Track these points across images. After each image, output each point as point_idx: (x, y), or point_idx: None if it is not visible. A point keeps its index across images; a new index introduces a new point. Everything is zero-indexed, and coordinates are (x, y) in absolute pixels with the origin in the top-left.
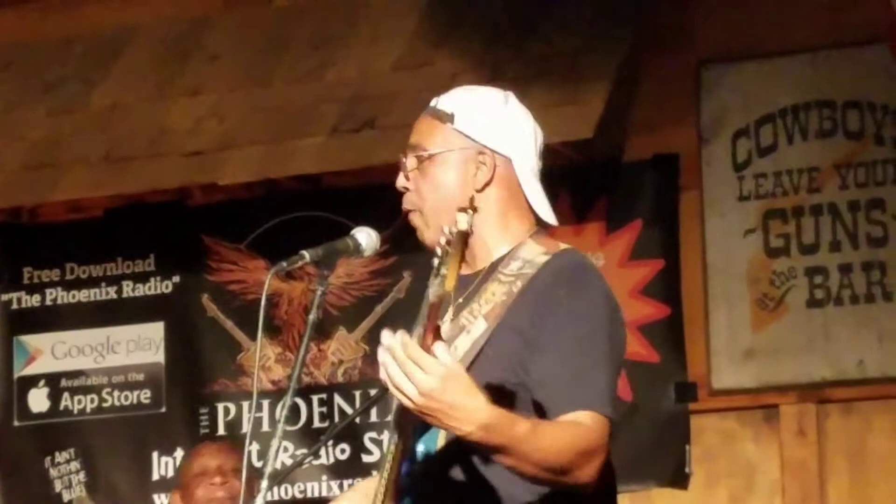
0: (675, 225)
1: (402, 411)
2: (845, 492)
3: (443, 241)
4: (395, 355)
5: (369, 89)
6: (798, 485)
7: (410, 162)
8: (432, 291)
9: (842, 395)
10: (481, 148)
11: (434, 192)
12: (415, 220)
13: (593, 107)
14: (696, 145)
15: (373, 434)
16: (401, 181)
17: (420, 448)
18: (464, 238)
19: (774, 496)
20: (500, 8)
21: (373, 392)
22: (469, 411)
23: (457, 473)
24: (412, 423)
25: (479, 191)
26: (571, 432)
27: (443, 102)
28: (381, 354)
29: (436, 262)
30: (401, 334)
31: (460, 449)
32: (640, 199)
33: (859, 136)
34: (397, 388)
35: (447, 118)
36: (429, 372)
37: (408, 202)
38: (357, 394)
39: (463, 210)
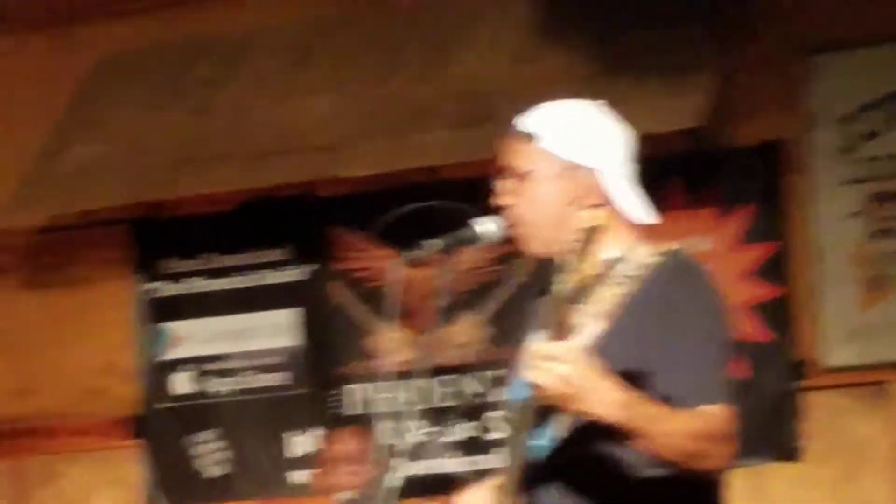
0: (783, 208)
1: (522, 409)
2: None
3: (573, 237)
4: (530, 357)
5: (488, 84)
6: None
7: (506, 183)
8: (558, 288)
9: None
10: (568, 164)
11: (531, 208)
12: (517, 233)
13: (702, 95)
14: (803, 131)
15: (497, 413)
16: (500, 201)
17: (539, 442)
18: (590, 235)
19: (886, 471)
20: (609, 2)
21: (497, 372)
22: (604, 392)
23: (572, 464)
24: (531, 421)
25: (571, 204)
26: (703, 418)
27: (528, 123)
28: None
29: (560, 261)
30: (541, 348)
31: (574, 441)
32: (749, 184)
33: None
34: (539, 384)
35: (533, 138)
36: (561, 361)
37: (509, 217)
38: (482, 374)
39: (589, 208)
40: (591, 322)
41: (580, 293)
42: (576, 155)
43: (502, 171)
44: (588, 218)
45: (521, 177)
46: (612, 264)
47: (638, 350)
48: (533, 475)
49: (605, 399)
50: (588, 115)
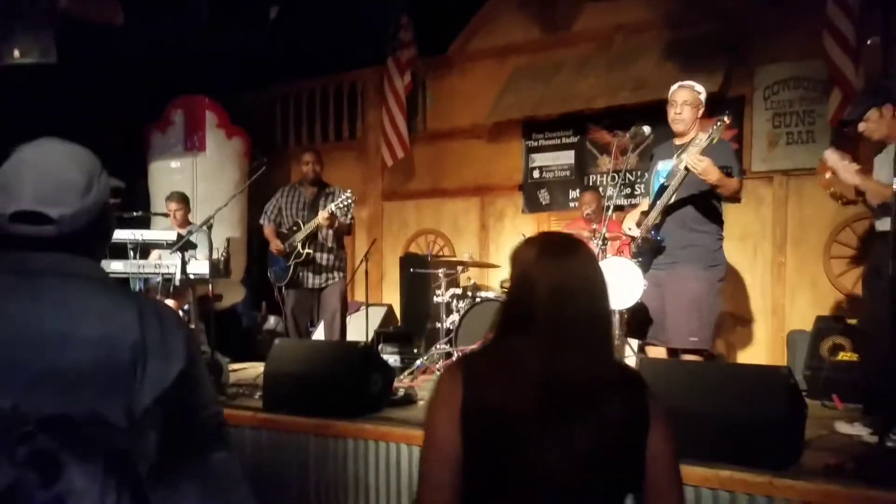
0: (741, 119)
1: (674, 177)
2: None
3: (711, 130)
4: (693, 157)
5: (642, 76)
6: None
7: (679, 104)
8: (699, 140)
9: None
10: (700, 100)
11: (688, 114)
12: (680, 126)
13: (718, 80)
14: (753, 90)
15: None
16: (677, 109)
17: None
18: (724, 126)
19: (771, 203)
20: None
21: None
22: (715, 172)
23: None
24: (678, 182)
25: (700, 117)
26: (737, 181)
27: (688, 83)
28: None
29: (704, 137)
30: (695, 156)
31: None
32: (733, 109)
33: None
34: (697, 167)
35: (693, 88)
36: (706, 161)
37: (681, 118)
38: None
39: (721, 119)
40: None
41: (697, 140)
42: (700, 96)
43: (674, 103)
44: (725, 119)
45: (686, 102)
46: (696, 137)
47: (717, 160)
48: (668, 208)
49: (715, 173)
50: (697, 84)
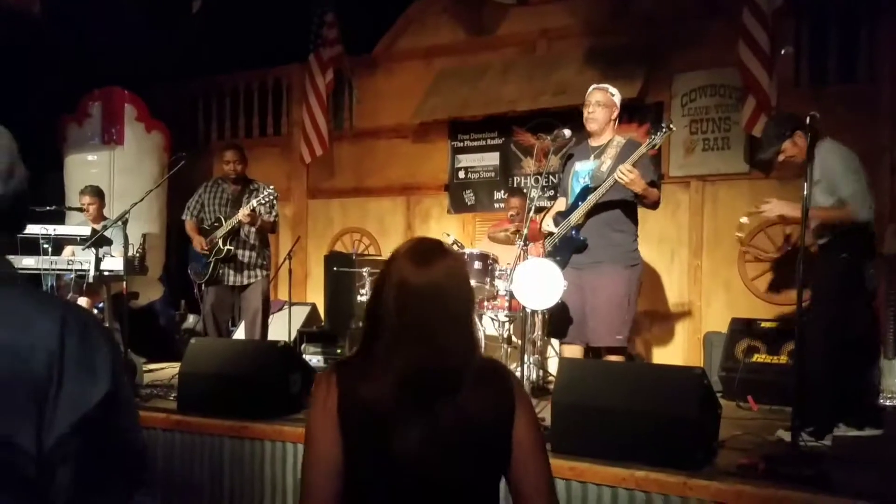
0: (662, 123)
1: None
2: None
3: (653, 137)
4: (625, 169)
5: (564, 80)
6: None
7: (593, 106)
8: (641, 152)
9: None
10: (615, 102)
11: (600, 114)
12: (593, 125)
13: (637, 86)
14: (672, 98)
15: None
16: (590, 111)
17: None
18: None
19: (688, 208)
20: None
21: None
22: (641, 183)
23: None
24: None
25: (615, 120)
26: (657, 193)
27: (603, 85)
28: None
29: (655, 138)
30: (625, 167)
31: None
32: (649, 116)
33: None
34: (624, 177)
35: (607, 90)
36: (634, 173)
37: (593, 117)
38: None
39: (668, 127)
40: (609, 162)
41: (615, 142)
42: (614, 98)
43: (588, 104)
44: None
45: (599, 102)
46: (619, 141)
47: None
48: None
49: (641, 185)
50: (611, 87)
